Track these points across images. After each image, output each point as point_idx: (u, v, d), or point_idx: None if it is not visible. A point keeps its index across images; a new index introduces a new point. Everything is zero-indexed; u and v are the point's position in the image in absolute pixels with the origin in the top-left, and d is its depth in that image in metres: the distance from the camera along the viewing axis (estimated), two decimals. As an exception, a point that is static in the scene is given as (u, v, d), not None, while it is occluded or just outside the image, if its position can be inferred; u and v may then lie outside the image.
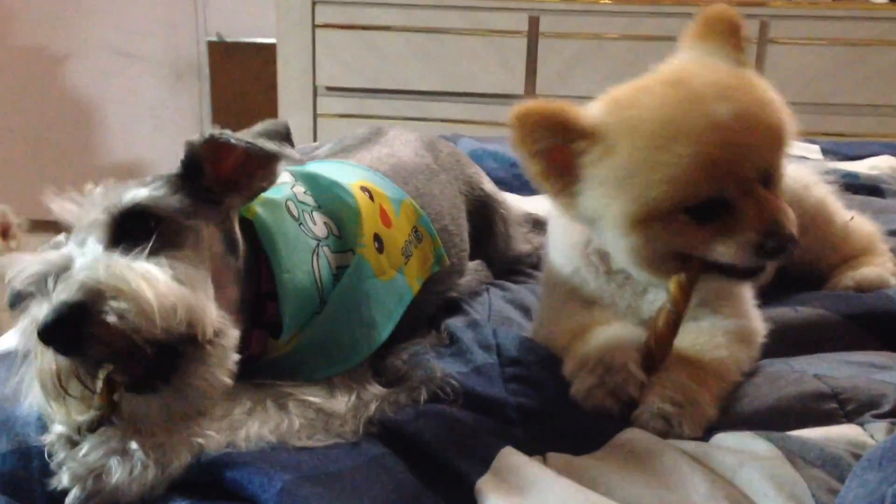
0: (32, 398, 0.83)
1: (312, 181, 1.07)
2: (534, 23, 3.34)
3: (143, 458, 0.76)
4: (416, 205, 1.19)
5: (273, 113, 3.55)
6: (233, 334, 0.85)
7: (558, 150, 0.95)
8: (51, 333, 0.75)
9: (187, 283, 0.81)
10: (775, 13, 3.30)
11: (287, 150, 0.92)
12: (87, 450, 0.77)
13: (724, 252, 0.92)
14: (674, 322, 0.97)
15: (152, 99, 4.03)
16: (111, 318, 0.75)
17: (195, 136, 0.92)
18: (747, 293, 1.10)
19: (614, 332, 1.01)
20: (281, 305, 0.94)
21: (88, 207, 0.86)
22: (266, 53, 3.72)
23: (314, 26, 3.38)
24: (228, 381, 0.84)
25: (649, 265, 0.98)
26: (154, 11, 3.91)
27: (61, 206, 0.87)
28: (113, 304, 0.75)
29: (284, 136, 0.94)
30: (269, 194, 0.99)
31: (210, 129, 0.91)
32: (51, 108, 4.00)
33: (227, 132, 0.90)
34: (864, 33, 3.26)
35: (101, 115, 4.05)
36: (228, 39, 3.94)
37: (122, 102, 4.03)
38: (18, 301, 0.84)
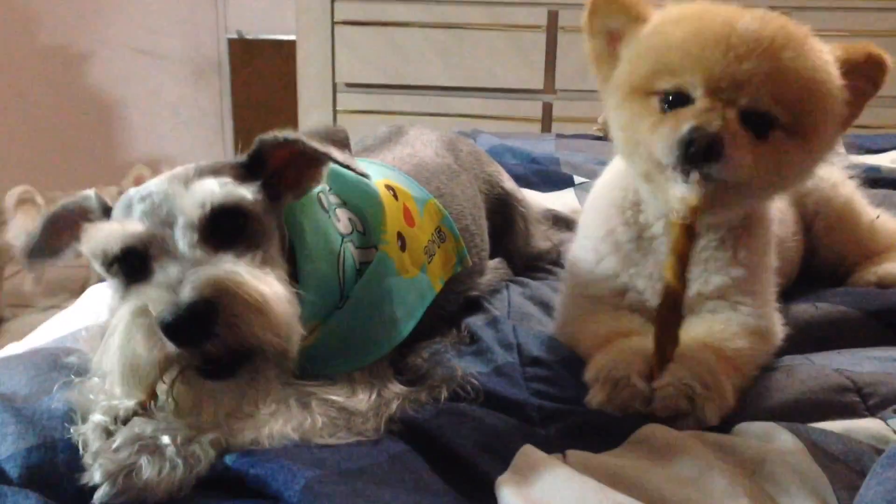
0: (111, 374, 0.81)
1: (339, 177, 1.08)
2: (553, 17, 3.33)
3: (174, 456, 0.77)
4: (439, 205, 1.20)
5: (293, 110, 3.57)
6: (297, 340, 0.85)
7: (616, 37, 1.03)
8: (182, 329, 0.75)
9: (289, 299, 0.83)
10: (797, 4, 3.27)
11: (353, 161, 0.95)
12: (120, 443, 0.78)
13: (655, 140, 0.94)
14: (676, 307, 0.98)
15: (173, 97, 4.06)
16: (241, 323, 0.76)
17: (268, 135, 0.93)
18: (770, 294, 1.10)
19: (629, 345, 1.01)
20: (302, 295, 0.94)
21: (177, 191, 0.86)
22: (286, 50, 3.74)
23: (333, 23, 3.39)
24: (276, 385, 0.86)
25: (633, 154, 1.01)
26: (175, 10, 3.94)
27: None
28: (245, 308, 0.77)
29: (344, 143, 0.96)
30: None
31: (284, 133, 0.93)
32: (74, 106, 4.04)
33: (302, 137, 0.92)
34: (886, 24, 3.23)
35: (123, 114, 4.09)
36: (248, 37, 3.96)
37: (143, 100, 4.06)
38: (108, 264, 0.85)
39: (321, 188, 1.02)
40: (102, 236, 0.84)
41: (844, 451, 0.84)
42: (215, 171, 0.90)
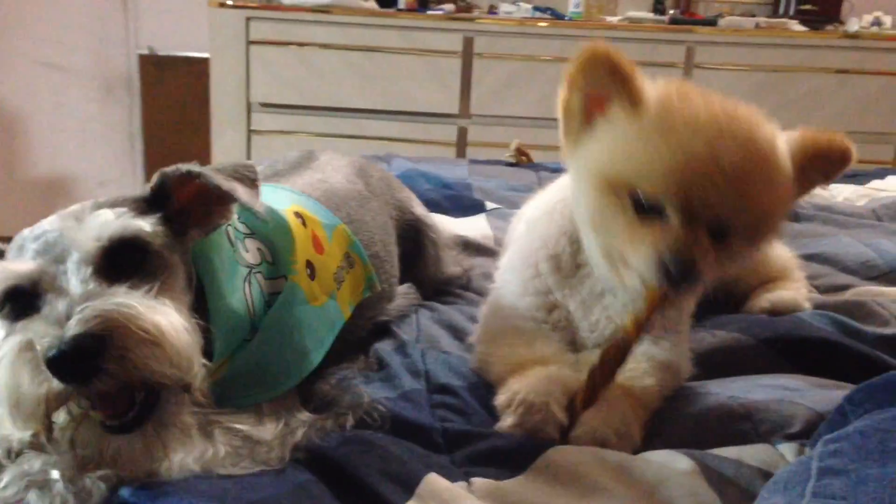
0: None
1: (245, 207, 1.07)
2: (468, 43, 3.38)
3: (63, 492, 0.75)
4: (348, 230, 1.20)
5: (206, 128, 3.51)
6: (200, 376, 0.83)
7: (599, 99, 1.00)
8: (66, 363, 0.72)
9: (189, 329, 0.81)
10: (701, 39, 3.40)
11: (258, 203, 0.93)
12: (8, 481, 0.76)
13: (633, 259, 0.96)
14: (623, 355, 1.01)
15: (81, 112, 3.94)
16: (132, 356, 0.74)
17: (170, 168, 0.91)
18: (686, 331, 1.14)
19: (547, 373, 1.03)
20: (214, 332, 0.93)
21: (84, 231, 0.84)
22: (199, 68, 3.68)
23: (248, 42, 3.37)
24: (191, 421, 0.84)
25: (602, 237, 1.01)
26: (84, 23, 3.84)
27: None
28: (137, 343, 0.74)
29: (252, 181, 0.94)
30: None
31: (188, 166, 0.91)
32: (-26, 120, 3.89)
33: (206, 171, 0.90)
34: (784, 60, 3.39)
35: (27, 128, 3.95)
36: (160, 53, 3.89)
37: (49, 115, 3.94)
38: None
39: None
40: None
41: (736, 476, 0.87)
42: (113, 205, 0.88)
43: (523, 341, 1.12)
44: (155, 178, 0.92)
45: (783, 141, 1.00)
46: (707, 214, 0.94)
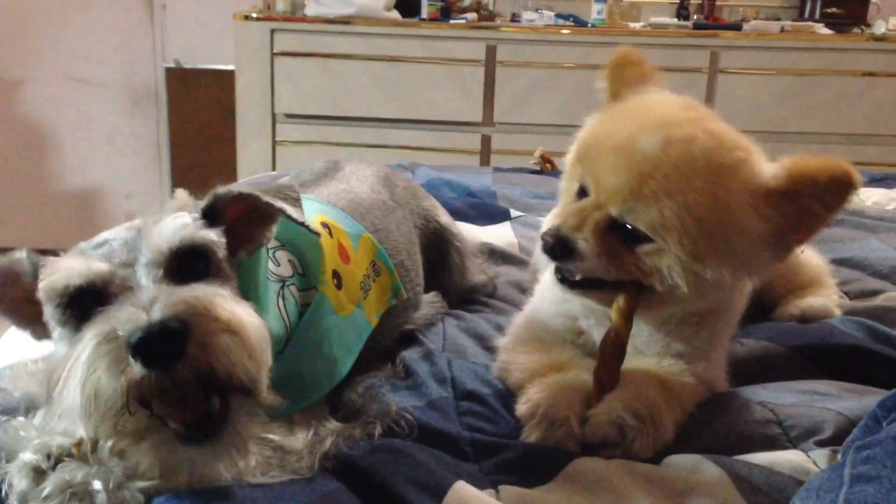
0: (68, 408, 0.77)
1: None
2: (491, 52, 3.39)
3: (104, 503, 0.75)
4: (373, 239, 1.20)
5: (232, 140, 3.54)
6: (267, 370, 0.83)
7: None
8: (153, 345, 0.71)
9: (264, 326, 0.82)
10: (725, 44, 3.38)
11: (304, 217, 0.94)
12: (50, 490, 0.76)
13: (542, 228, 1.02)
14: (619, 349, 1.01)
15: (108, 125, 3.99)
16: (215, 343, 0.74)
17: (223, 189, 0.92)
18: (723, 355, 1.12)
19: (565, 382, 1.03)
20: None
21: (134, 233, 0.84)
22: (224, 80, 3.72)
23: (273, 54, 3.40)
24: (260, 432, 0.84)
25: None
26: (111, 37, 3.89)
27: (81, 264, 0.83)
28: (221, 330, 0.74)
29: (296, 201, 0.95)
30: None
31: (239, 188, 0.92)
32: (4, 134, 3.95)
33: (256, 192, 0.91)
34: (810, 63, 3.36)
35: (56, 142, 4.01)
36: (186, 66, 3.94)
37: (77, 129, 3.99)
38: (63, 304, 0.81)
39: None
40: (64, 270, 0.81)
41: (767, 483, 0.86)
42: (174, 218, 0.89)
43: (543, 348, 1.12)
44: (208, 198, 0.93)
45: (754, 170, 0.96)
46: (608, 199, 0.95)
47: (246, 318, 0.78)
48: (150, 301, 0.74)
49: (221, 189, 0.93)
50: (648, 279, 0.98)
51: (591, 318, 1.12)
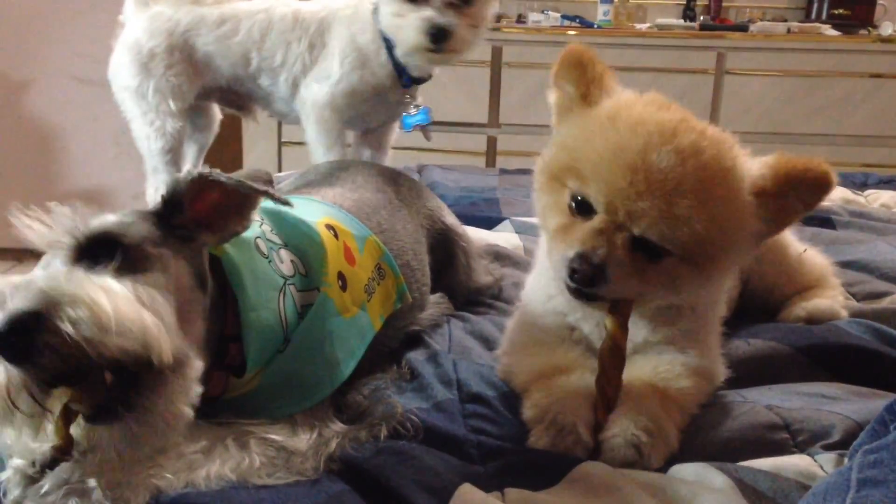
0: None
1: (278, 219, 1.08)
2: (497, 53, 3.39)
3: (101, 499, 0.76)
4: (379, 242, 1.20)
5: (238, 140, 3.54)
6: (196, 365, 0.84)
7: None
8: (2, 340, 0.72)
9: (147, 305, 0.80)
10: (732, 45, 3.38)
11: (272, 189, 0.95)
12: (48, 488, 0.77)
13: (553, 256, 0.99)
14: (618, 356, 1.00)
15: (115, 126, 3.98)
16: (66, 327, 0.73)
17: (181, 173, 0.93)
18: (715, 340, 1.13)
19: (570, 385, 1.02)
20: (245, 343, 0.94)
21: (55, 229, 0.86)
22: (230, 81, 3.71)
23: (279, 54, 3.39)
24: (189, 412, 0.83)
25: (546, 238, 1.04)
26: (116, 37, 3.89)
27: (25, 225, 0.86)
28: (69, 311, 0.73)
29: (266, 182, 0.96)
30: None
31: (199, 168, 0.92)
32: (11, 135, 3.96)
33: (216, 171, 0.91)
34: (817, 65, 3.35)
35: (63, 143, 4.02)
36: (193, 66, 3.93)
37: (83, 129, 3.99)
38: None
39: (258, 233, 1.03)
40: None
41: (773, 489, 0.86)
42: (114, 214, 0.91)
43: (545, 350, 1.11)
44: (167, 184, 0.94)
45: (746, 168, 0.98)
46: (631, 220, 0.93)
47: (101, 294, 0.76)
48: (6, 296, 0.75)
49: (181, 173, 0.93)
50: (665, 289, 0.98)
51: (578, 312, 1.12)
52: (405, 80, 1.91)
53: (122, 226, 0.88)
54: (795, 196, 0.98)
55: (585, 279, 0.94)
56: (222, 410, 0.94)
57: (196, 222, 0.94)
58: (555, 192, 1.02)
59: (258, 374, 0.96)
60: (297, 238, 1.06)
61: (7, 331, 0.72)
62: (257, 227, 1.04)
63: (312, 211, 1.14)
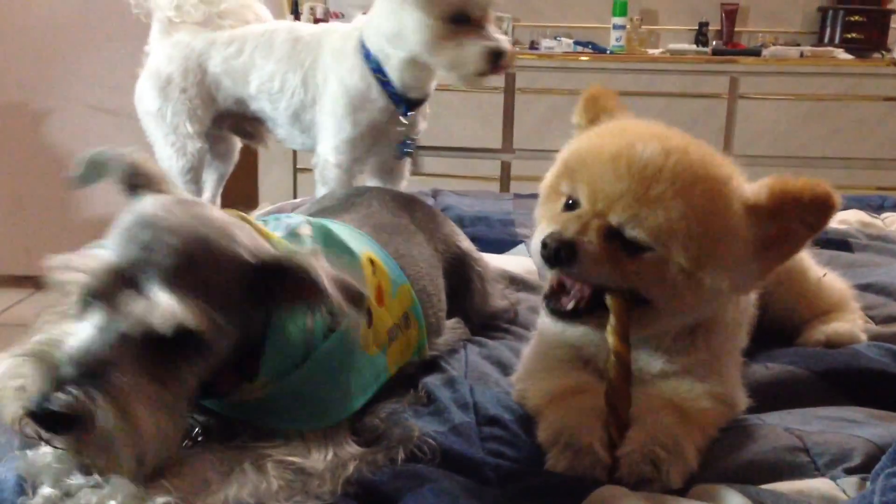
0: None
1: (328, 238, 1.07)
2: (511, 79, 3.41)
3: None
4: (412, 292, 1.20)
5: (254, 167, 3.57)
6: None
7: None
8: (35, 422, 0.78)
9: (166, 414, 0.83)
10: (745, 70, 3.39)
11: (357, 316, 0.95)
12: None
13: (533, 241, 1.02)
14: (624, 370, 1.00)
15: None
16: (101, 436, 0.78)
17: (302, 261, 0.89)
18: (735, 371, 1.12)
19: (584, 406, 1.02)
20: (267, 353, 0.93)
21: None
22: (246, 109, 3.74)
23: (294, 82, 3.42)
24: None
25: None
26: (131, 67, 3.93)
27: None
28: (104, 425, 0.78)
29: (357, 303, 0.93)
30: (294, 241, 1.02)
31: (301, 260, 0.89)
32: (31, 163, 4.00)
33: (323, 282, 0.88)
34: (830, 89, 3.35)
35: (81, 171, 4.06)
36: (208, 95, 3.97)
37: (102, 158, 4.03)
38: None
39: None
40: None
41: (794, 512, 0.85)
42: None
43: (558, 373, 1.11)
44: (280, 258, 0.91)
45: (737, 182, 0.99)
46: (609, 207, 0.95)
47: (148, 428, 0.80)
48: (62, 376, 0.78)
49: (300, 259, 0.89)
50: (650, 290, 0.98)
51: (591, 346, 1.11)
52: (404, 109, 1.95)
53: (201, 315, 0.83)
54: (796, 217, 0.97)
55: (555, 253, 0.95)
56: (224, 411, 0.96)
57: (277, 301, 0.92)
58: (551, 202, 1.05)
59: (270, 382, 0.96)
60: (342, 262, 1.06)
61: (43, 421, 0.78)
62: (309, 240, 1.04)
63: (357, 240, 1.15)
